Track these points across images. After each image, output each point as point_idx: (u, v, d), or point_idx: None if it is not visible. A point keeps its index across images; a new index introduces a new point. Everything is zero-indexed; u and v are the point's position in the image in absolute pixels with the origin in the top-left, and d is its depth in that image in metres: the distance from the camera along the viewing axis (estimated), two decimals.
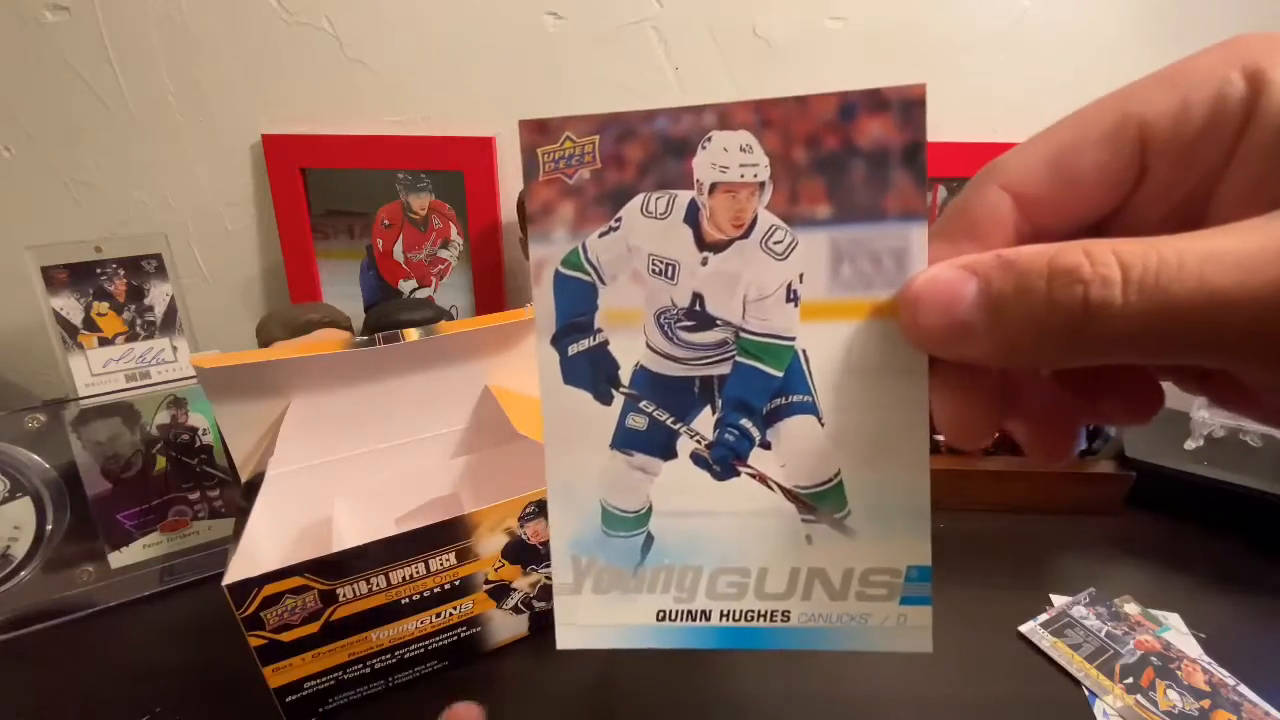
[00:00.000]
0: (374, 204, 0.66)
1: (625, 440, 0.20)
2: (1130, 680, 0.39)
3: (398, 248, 0.68)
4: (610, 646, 0.20)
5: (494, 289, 0.69)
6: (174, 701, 0.38)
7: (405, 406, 0.47)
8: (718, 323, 0.19)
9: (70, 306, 0.47)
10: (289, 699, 0.35)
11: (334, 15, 0.61)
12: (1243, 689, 0.39)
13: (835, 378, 0.18)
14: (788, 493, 0.19)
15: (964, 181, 0.18)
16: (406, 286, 0.69)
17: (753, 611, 0.20)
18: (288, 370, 0.41)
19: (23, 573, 0.44)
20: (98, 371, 0.48)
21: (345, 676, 0.37)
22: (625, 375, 0.20)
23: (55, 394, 0.48)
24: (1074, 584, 0.47)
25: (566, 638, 0.20)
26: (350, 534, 0.42)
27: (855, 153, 0.17)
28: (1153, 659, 0.41)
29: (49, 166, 0.63)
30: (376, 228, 0.67)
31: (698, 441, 0.20)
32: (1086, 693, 0.39)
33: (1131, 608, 0.45)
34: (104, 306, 0.48)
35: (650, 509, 0.20)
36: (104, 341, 0.48)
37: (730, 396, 0.19)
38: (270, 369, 0.40)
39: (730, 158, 0.18)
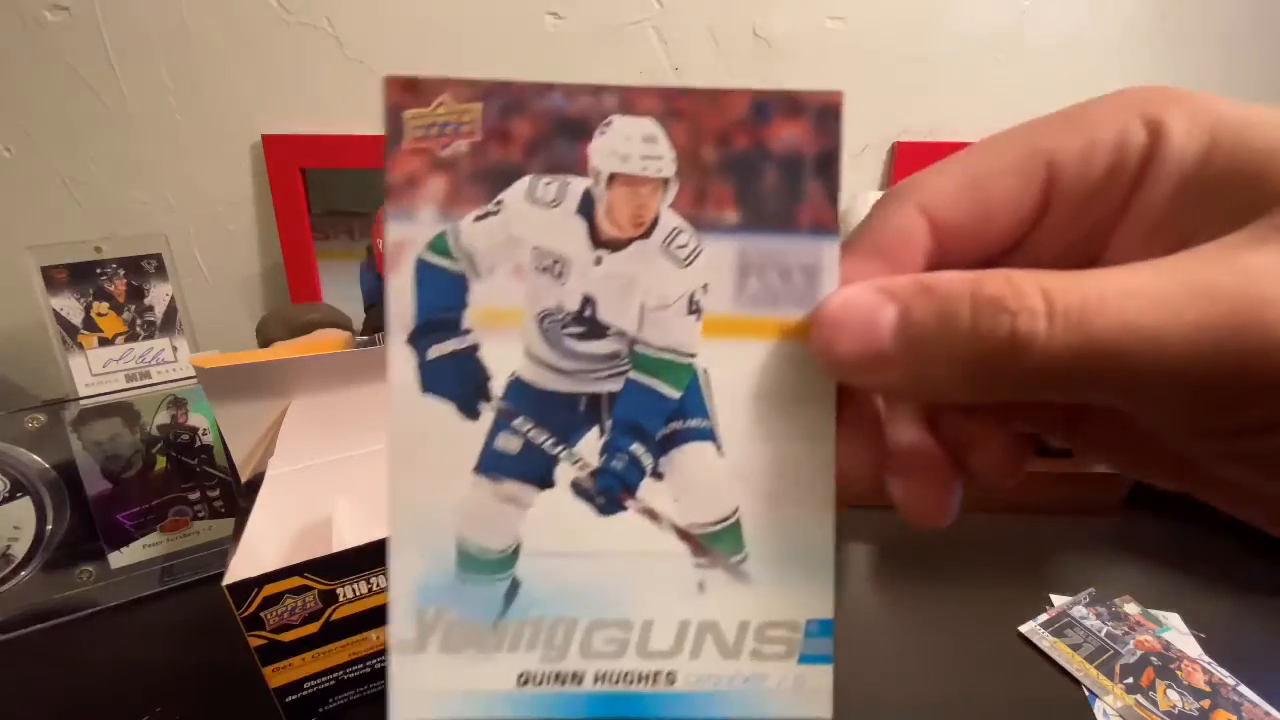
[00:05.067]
0: (374, 204, 0.66)
1: (493, 464, 0.17)
2: (1130, 680, 0.39)
3: None
4: (461, 717, 0.17)
5: None
6: (174, 701, 0.38)
7: None
8: (610, 331, 0.17)
9: (70, 306, 0.47)
10: (289, 699, 0.35)
11: (334, 15, 0.61)
12: (1243, 689, 0.39)
13: (737, 403, 0.17)
14: (680, 532, 0.17)
15: None
16: None
17: (632, 673, 0.17)
18: (288, 370, 0.41)
19: (23, 573, 0.44)
20: (98, 371, 0.48)
21: (345, 676, 0.37)
22: (498, 386, 0.17)
23: (55, 394, 0.48)
24: (1074, 584, 0.47)
25: (405, 707, 0.16)
26: (350, 534, 0.42)
27: (767, 156, 0.16)
28: (1153, 659, 0.41)
29: (49, 166, 0.63)
30: (377, 228, 0.67)
31: (580, 469, 0.17)
32: (1086, 693, 0.39)
33: (1131, 608, 0.45)
34: (104, 306, 0.48)
35: (518, 548, 0.17)
36: (104, 341, 0.48)
37: (621, 418, 0.17)
38: (270, 369, 0.40)
39: (632, 146, 0.16)
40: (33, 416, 0.44)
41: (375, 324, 0.57)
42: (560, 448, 0.17)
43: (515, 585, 0.17)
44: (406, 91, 0.16)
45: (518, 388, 0.17)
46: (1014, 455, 0.18)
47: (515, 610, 0.17)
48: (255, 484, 0.40)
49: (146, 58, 0.61)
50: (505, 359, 0.17)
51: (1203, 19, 0.64)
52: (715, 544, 0.17)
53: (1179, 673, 0.40)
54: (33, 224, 0.64)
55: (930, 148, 0.67)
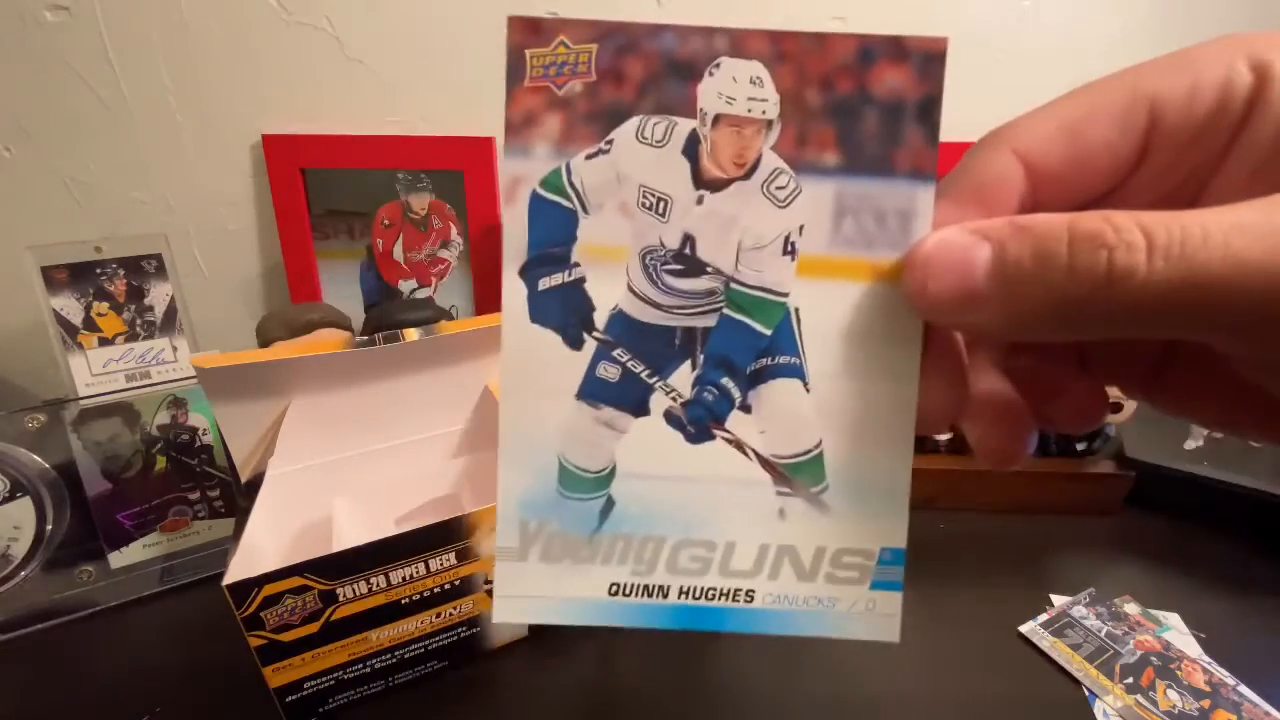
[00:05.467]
0: (374, 204, 0.66)
1: (594, 391, 0.18)
2: (1130, 680, 0.39)
3: (398, 248, 0.68)
4: (555, 622, 0.18)
5: (494, 289, 0.69)
6: (174, 701, 0.38)
7: (405, 406, 0.47)
8: (708, 269, 0.18)
9: (70, 306, 0.47)
10: (289, 699, 0.35)
11: (334, 15, 0.61)
12: (1243, 689, 0.39)
13: (826, 342, 0.17)
14: (764, 461, 0.18)
15: None
16: (406, 286, 0.69)
17: (714, 590, 0.18)
18: (288, 370, 0.41)
19: (23, 573, 0.44)
20: (98, 371, 0.48)
21: (345, 676, 0.37)
22: (600, 319, 0.18)
23: (55, 394, 0.48)
24: (1074, 584, 0.47)
25: (506, 610, 0.18)
26: (350, 534, 0.42)
27: (869, 101, 0.17)
28: (1153, 659, 0.41)
29: (49, 166, 0.63)
30: (376, 228, 0.67)
31: (673, 399, 0.18)
32: (1086, 693, 0.39)
33: (1131, 608, 0.45)
34: (104, 306, 0.48)
35: (614, 470, 0.18)
36: (104, 341, 0.48)
37: (713, 353, 0.18)
38: (270, 369, 0.40)
39: (739, 89, 0.17)
40: (33, 416, 0.44)
41: (375, 324, 0.57)
42: (656, 378, 0.18)
43: (610, 503, 0.18)
44: (528, 31, 0.17)
45: (619, 320, 0.18)
46: (1091, 405, 0.18)
47: (609, 526, 0.18)
48: (255, 484, 0.40)
49: (146, 58, 0.60)
50: (609, 292, 0.18)
51: (1203, 20, 0.64)
52: (797, 474, 0.18)
53: (1179, 673, 0.40)
54: (33, 224, 0.64)
55: None
